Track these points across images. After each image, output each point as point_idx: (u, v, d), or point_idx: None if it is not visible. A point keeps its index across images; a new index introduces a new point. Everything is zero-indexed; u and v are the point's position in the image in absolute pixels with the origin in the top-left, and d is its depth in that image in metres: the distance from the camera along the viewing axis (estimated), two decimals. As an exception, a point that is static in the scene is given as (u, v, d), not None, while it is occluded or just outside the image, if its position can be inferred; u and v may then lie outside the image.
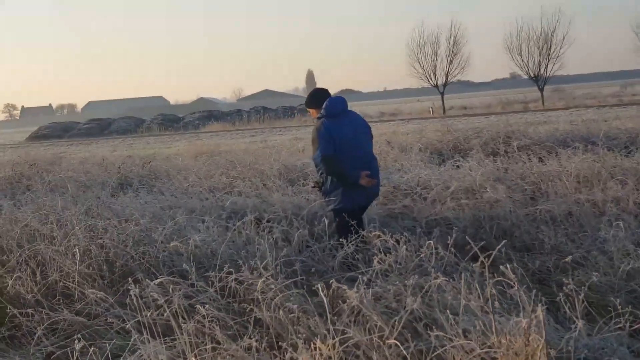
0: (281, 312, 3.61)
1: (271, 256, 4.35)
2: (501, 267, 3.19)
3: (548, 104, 39.04)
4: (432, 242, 4.18)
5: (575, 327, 3.00)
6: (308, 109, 5.71)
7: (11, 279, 4.66)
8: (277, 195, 6.86)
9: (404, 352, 2.99)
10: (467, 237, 4.57)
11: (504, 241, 4.69)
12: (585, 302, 3.17)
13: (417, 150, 9.66)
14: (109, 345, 3.70)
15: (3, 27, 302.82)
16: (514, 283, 3.12)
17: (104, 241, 4.92)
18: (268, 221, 5.34)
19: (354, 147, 5.34)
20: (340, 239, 4.77)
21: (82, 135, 49.69)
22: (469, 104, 49.33)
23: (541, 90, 39.80)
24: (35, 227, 5.36)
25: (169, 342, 3.67)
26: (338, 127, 5.32)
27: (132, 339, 3.80)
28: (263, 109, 55.15)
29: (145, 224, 5.23)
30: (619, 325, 3.09)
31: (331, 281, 3.78)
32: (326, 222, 5.10)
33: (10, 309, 4.20)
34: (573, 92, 50.62)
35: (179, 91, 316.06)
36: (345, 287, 3.75)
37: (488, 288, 3.42)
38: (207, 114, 54.50)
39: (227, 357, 3.31)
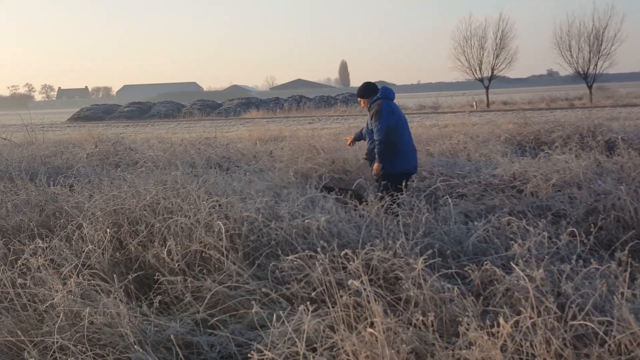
0: (429, 291, 3.71)
1: (404, 237, 4.44)
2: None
3: (594, 101, 38.35)
4: (575, 230, 4.22)
5: None
6: (359, 99, 6.89)
7: (148, 248, 4.85)
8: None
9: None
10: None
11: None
12: None
13: (498, 141, 9.63)
14: (255, 315, 3.83)
15: (42, 8, 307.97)
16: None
17: (230, 216, 5.08)
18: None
19: (406, 127, 6.70)
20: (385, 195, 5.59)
21: (122, 117, 50.13)
22: (509, 99, 48.53)
23: (590, 87, 39.13)
24: (158, 200, 5.52)
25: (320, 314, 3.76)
26: (395, 107, 6.64)
27: (278, 309, 3.97)
28: (301, 98, 54.99)
29: (269, 202, 5.37)
30: None
31: (485, 262, 3.87)
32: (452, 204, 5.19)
33: (158, 275, 4.38)
34: (618, 91, 49.57)
35: (212, 78, 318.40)
36: (496, 269, 3.84)
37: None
38: (245, 101, 54.41)
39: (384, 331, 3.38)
